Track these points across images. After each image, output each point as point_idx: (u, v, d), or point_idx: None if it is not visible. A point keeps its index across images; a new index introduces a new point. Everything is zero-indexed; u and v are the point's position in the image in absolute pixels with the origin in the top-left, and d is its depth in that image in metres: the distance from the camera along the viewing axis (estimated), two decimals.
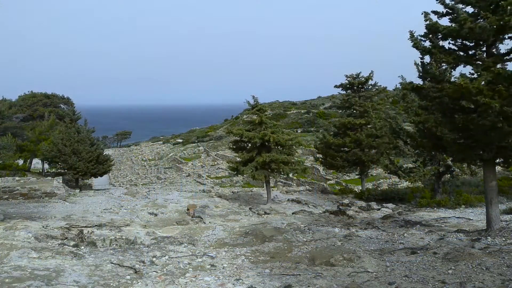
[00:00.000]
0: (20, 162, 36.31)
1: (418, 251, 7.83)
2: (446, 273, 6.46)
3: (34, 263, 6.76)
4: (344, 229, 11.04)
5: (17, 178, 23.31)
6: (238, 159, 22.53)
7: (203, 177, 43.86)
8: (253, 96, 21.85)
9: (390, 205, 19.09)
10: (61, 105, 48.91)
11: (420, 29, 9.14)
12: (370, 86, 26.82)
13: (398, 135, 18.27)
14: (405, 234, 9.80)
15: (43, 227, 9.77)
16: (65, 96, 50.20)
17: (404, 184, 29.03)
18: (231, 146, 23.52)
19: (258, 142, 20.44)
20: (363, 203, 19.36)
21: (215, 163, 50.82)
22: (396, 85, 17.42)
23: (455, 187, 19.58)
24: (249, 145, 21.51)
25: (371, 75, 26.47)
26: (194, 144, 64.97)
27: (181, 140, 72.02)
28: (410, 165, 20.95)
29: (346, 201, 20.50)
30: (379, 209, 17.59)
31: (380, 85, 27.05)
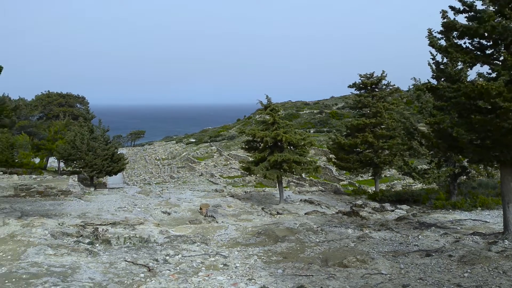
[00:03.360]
0: (37, 160, 37.02)
1: (433, 254, 7.73)
2: (462, 276, 6.36)
3: (51, 259, 6.87)
4: (357, 230, 10.97)
5: (33, 176, 23.77)
6: (250, 159, 22.56)
7: (215, 176, 44.02)
8: (267, 96, 21.83)
9: (404, 206, 18.85)
10: (77, 105, 49.68)
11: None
12: (384, 86, 26.60)
13: (413, 135, 18.06)
14: (420, 236, 9.68)
15: (59, 224, 9.93)
16: (80, 96, 50.98)
17: (419, 185, 28.67)
18: (243, 146, 23.55)
19: (270, 142, 20.44)
20: (377, 204, 19.17)
21: (228, 162, 50.95)
22: (409, 86, 17.26)
23: (471, 189, 19.27)
24: (262, 145, 21.52)
25: (384, 75, 26.25)
26: (206, 144, 65.24)
27: (194, 140, 72.42)
28: (425, 166, 20.69)
29: (359, 202, 20.33)
30: (393, 211, 17.39)
31: (394, 85, 26.82)
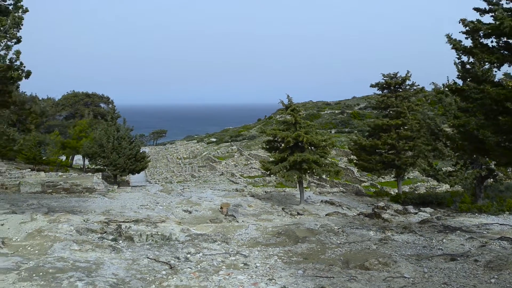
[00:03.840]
0: (63, 158, 38.10)
1: (458, 258, 7.54)
2: (489, 282, 6.18)
3: (76, 255, 7.05)
4: (379, 233, 10.81)
5: (60, 173, 24.41)
6: (271, 159, 22.56)
7: (236, 176, 44.22)
8: (288, 96, 21.77)
9: (428, 209, 18.46)
10: (101, 104, 50.84)
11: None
12: (408, 86, 26.13)
13: (437, 136, 17.68)
14: (444, 240, 9.46)
15: (84, 221, 10.17)
16: (105, 95, 52.14)
17: (443, 187, 28.05)
18: (264, 146, 23.56)
19: (291, 142, 20.37)
20: (399, 207, 18.83)
21: (248, 162, 51.08)
22: (438, 84, 16.93)
23: (498, 192, 18.69)
24: (282, 145, 21.48)
25: (408, 75, 25.80)
26: (227, 144, 65.58)
27: (214, 139, 72.94)
28: (450, 168, 20.22)
29: (381, 204, 20.02)
30: (416, 213, 17.05)
31: (418, 85, 26.32)
